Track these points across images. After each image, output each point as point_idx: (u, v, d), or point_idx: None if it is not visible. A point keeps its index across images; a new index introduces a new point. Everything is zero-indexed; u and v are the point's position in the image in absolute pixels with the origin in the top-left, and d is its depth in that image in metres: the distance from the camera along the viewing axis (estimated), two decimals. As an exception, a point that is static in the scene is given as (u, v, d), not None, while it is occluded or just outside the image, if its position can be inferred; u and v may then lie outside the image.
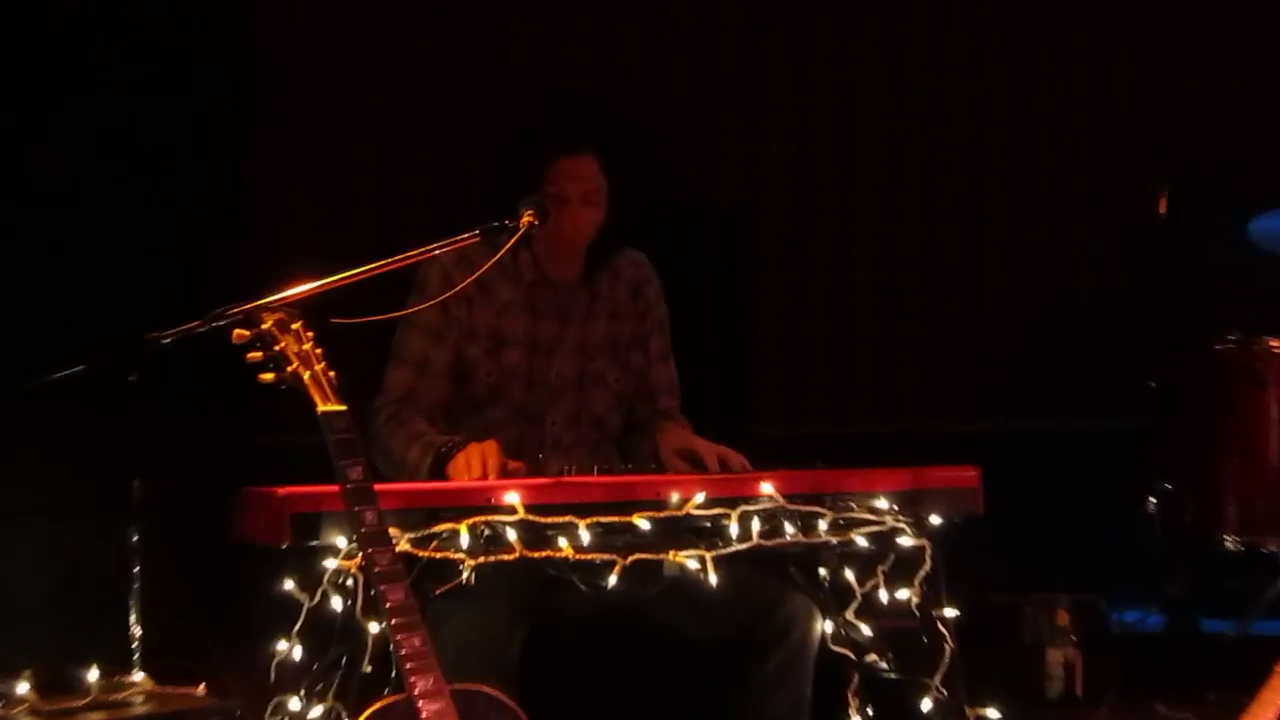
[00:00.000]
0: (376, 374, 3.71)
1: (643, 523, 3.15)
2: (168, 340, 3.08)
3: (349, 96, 6.00)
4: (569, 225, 3.64)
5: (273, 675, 3.02)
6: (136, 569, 3.78)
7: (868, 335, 6.77)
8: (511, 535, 3.05)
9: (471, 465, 3.34)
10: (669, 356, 3.92)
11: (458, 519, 3.04)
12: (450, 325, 3.68)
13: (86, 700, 3.41)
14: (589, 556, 3.10)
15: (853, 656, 3.42)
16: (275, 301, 3.01)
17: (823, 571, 3.44)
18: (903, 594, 3.39)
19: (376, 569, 2.80)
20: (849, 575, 3.40)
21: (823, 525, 3.30)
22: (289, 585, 3.00)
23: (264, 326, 2.93)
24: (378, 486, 2.87)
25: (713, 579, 3.15)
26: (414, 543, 3.00)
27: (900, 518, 3.37)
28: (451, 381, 3.69)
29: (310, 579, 2.98)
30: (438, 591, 3.03)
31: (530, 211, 3.48)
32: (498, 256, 3.47)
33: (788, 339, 6.66)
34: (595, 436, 3.79)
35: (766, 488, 3.27)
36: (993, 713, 3.47)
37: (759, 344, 6.48)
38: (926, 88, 6.84)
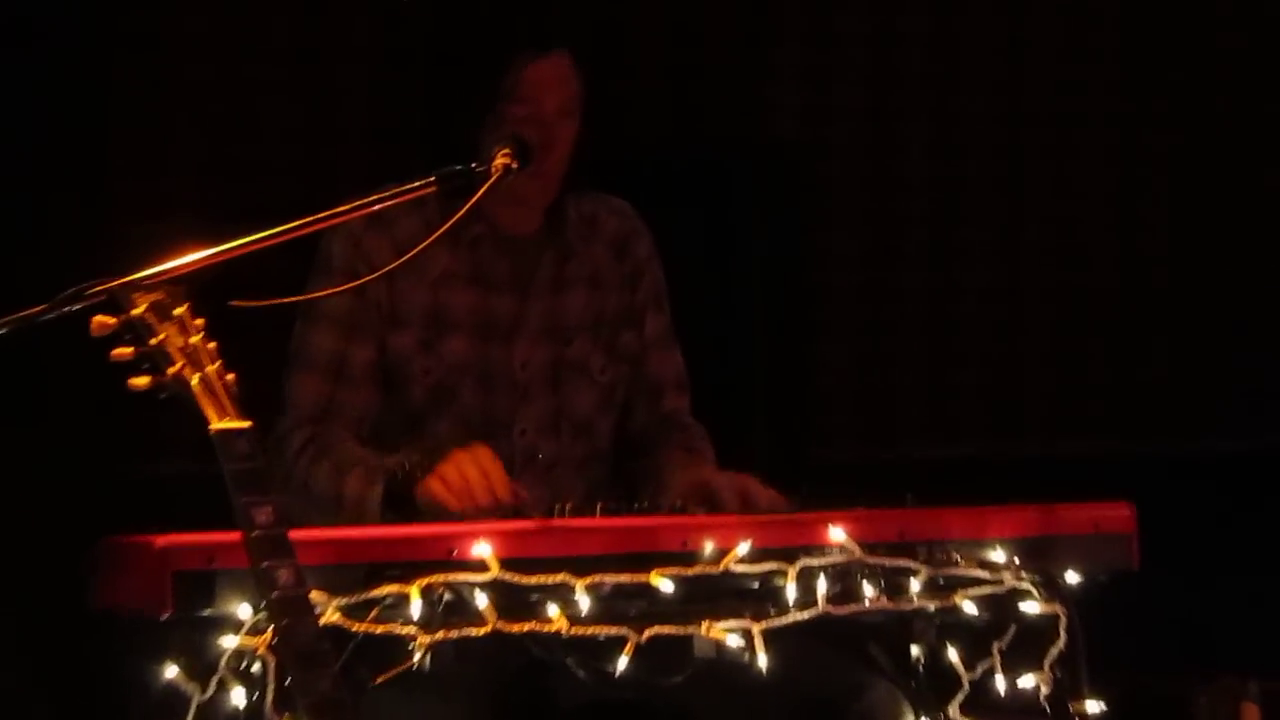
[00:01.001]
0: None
1: (665, 583, 3.16)
2: (1, 331, 3.09)
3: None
4: (554, 154, 3.66)
5: (151, 795, 3.04)
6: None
7: (978, 323, 6.77)
8: (482, 601, 3.06)
9: (469, 481, 3.35)
10: (672, 339, 3.95)
11: (406, 578, 3.05)
12: (367, 311, 3.70)
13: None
14: (590, 630, 3.12)
15: (958, 767, 3.45)
16: (151, 277, 3.02)
17: (916, 650, 3.47)
18: (1028, 680, 3.41)
19: (293, 648, 2.81)
20: (952, 655, 3.42)
21: (915, 586, 3.32)
22: (172, 671, 3.01)
23: (135, 312, 2.93)
24: (295, 534, 2.88)
25: (762, 660, 3.17)
26: (346, 612, 3.01)
27: (1024, 575, 3.39)
28: (378, 387, 3.72)
29: (201, 662, 3.00)
30: (378, 680, 3.05)
31: (505, 151, 3.50)
32: (462, 211, 3.47)
33: (867, 330, 6.67)
34: (582, 450, 3.82)
35: (837, 534, 3.29)
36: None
37: (827, 337, 6.49)
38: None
